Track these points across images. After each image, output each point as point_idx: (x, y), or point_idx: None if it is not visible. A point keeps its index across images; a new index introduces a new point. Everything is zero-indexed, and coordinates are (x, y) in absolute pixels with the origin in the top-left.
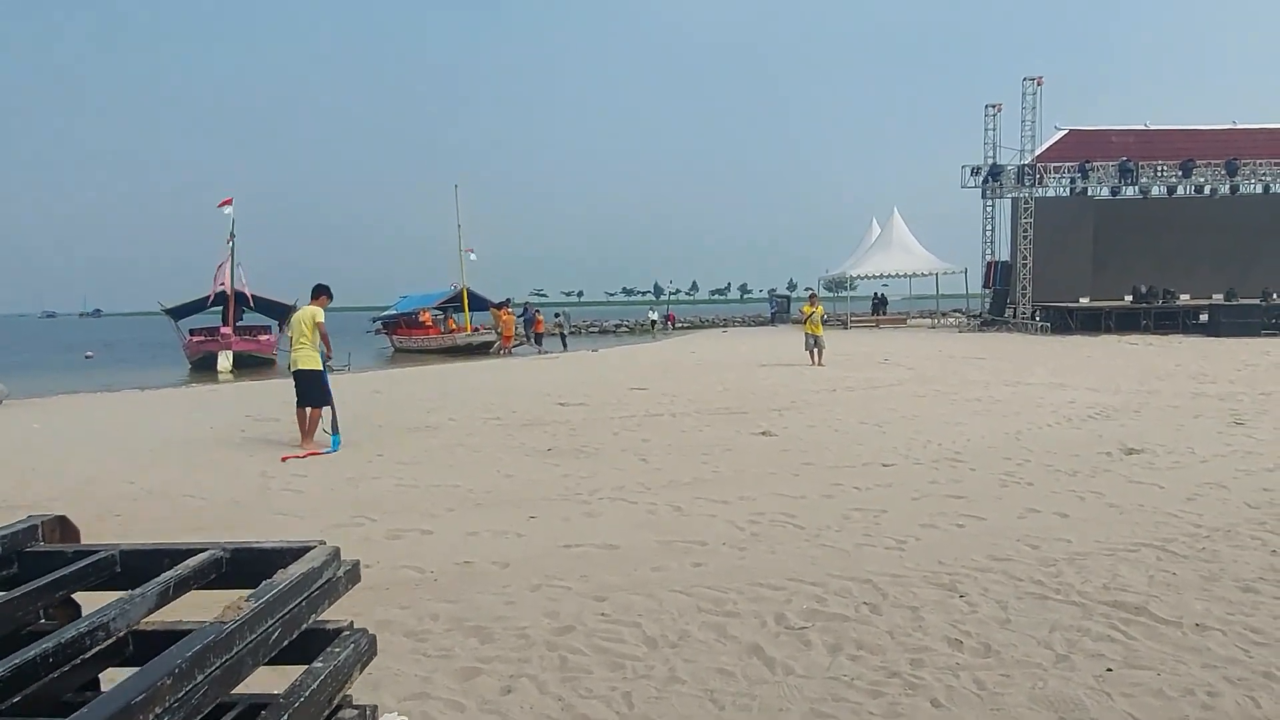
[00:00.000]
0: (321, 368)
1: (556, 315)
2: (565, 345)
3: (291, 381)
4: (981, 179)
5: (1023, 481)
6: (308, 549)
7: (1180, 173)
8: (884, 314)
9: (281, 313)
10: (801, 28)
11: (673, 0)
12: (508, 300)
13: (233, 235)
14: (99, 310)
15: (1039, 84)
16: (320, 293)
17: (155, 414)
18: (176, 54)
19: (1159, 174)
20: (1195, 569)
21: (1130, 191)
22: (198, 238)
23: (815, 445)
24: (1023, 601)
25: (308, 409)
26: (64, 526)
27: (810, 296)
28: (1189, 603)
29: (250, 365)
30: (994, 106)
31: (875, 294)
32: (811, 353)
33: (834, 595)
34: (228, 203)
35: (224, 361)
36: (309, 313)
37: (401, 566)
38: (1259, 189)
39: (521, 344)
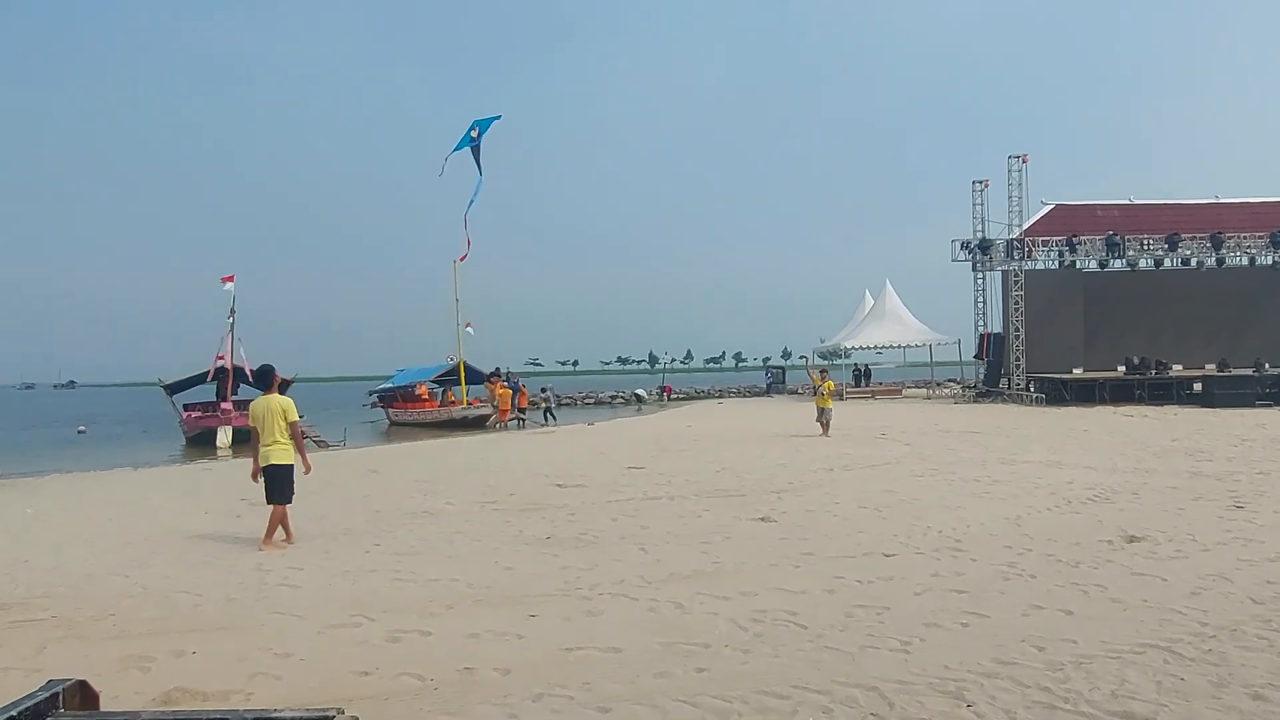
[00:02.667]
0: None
1: (542, 389)
2: (553, 418)
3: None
4: (971, 252)
5: (1025, 574)
6: (327, 718)
7: (1166, 246)
8: (867, 385)
9: (279, 388)
10: (790, 100)
11: (663, 68)
12: (496, 370)
13: (233, 311)
14: (73, 382)
15: (1024, 161)
16: (273, 376)
17: (150, 496)
18: (161, 121)
19: (1145, 247)
20: (1203, 673)
21: (1118, 264)
22: (176, 310)
23: (815, 532)
24: (1031, 712)
25: (274, 505)
26: (84, 692)
27: (821, 372)
28: (1200, 713)
29: (247, 440)
30: (981, 182)
31: (857, 366)
32: (821, 423)
33: (840, 705)
34: (229, 279)
35: (223, 437)
36: (279, 405)
37: (401, 674)
38: (1244, 261)
39: (514, 417)
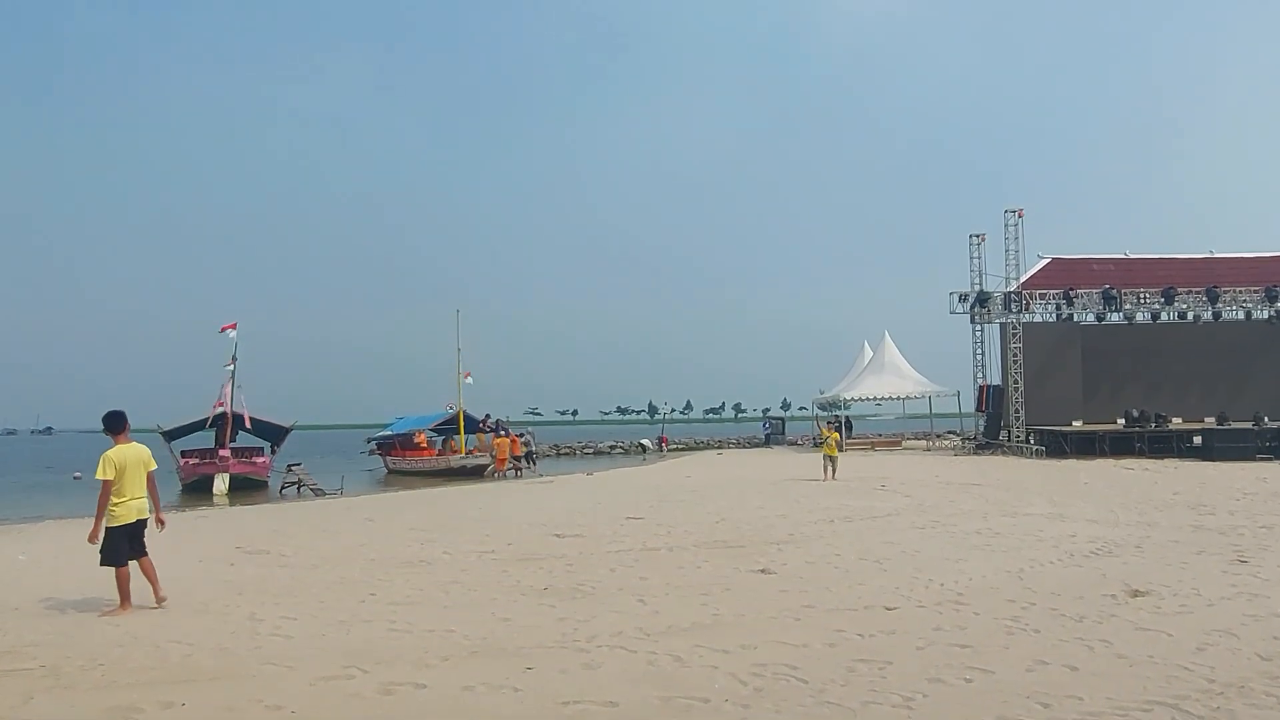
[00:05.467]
0: None
1: (521, 435)
2: (530, 463)
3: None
4: (969, 305)
5: (1029, 628)
6: None
7: (1162, 299)
8: (848, 436)
9: (277, 435)
10: (789, 153)
11: (660, 121)
12: (487, 416)
13: (234, 359)
14: (50, 428)
15: (1020, 215)
16: (125, 422)
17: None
18: (153, 166)
19: (1142, 301)
20: None
21: (1115, 317)
22: (157, 357)
23: (816, 585)
24: None
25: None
26: None
27: (828, 424)
28: None
29: (245, 488)
30: (978, 236)
31: (837, 418)
32: (826, 470)
33: None
34: (231, 327)
35: (220, 484)
36: (146, 455)
37: None
38: (1241, 315)
39: (511, 466)
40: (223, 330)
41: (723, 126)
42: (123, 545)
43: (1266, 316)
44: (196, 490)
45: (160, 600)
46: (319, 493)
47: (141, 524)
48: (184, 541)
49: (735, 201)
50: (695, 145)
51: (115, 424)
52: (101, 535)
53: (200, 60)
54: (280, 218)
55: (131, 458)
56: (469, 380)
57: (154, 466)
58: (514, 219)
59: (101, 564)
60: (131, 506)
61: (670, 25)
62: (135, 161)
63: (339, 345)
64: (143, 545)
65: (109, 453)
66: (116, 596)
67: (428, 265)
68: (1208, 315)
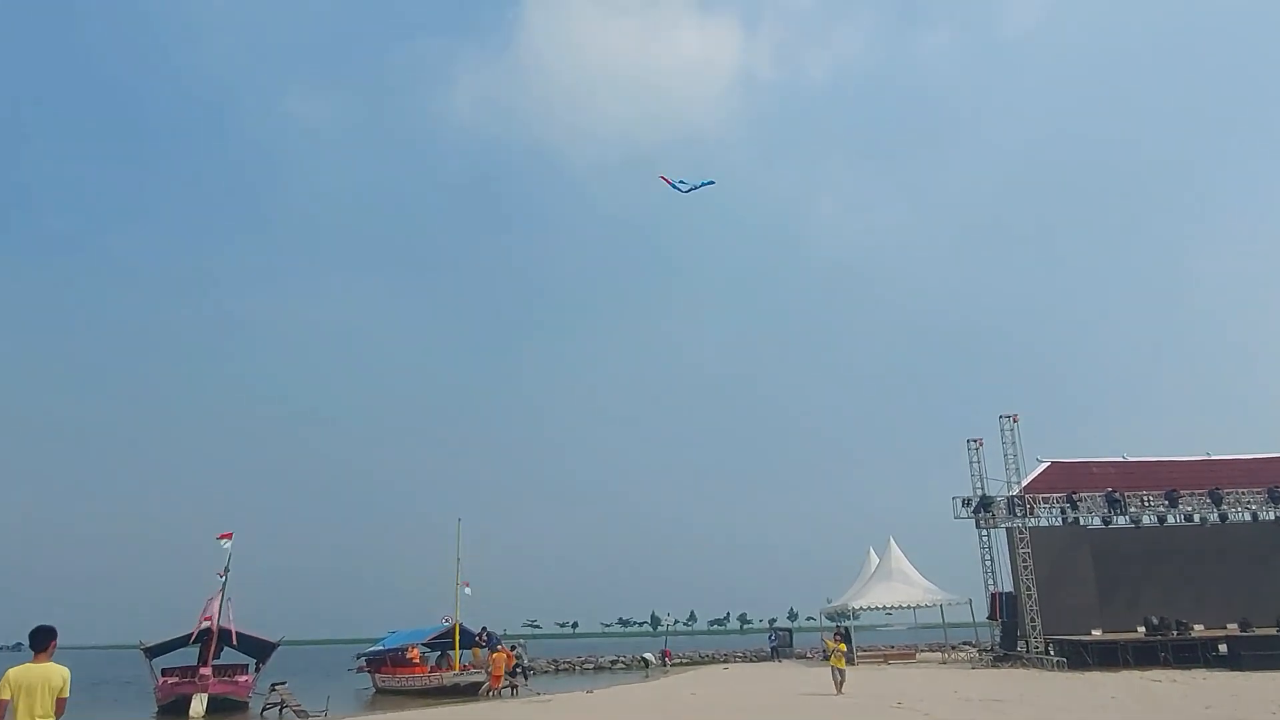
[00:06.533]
0: None
1: (514, 647)
2: (524, 676)
3: None
4: (973, 510)
5: None
6: None
7: (1166, 502)
8: (855, 648)
9: (264, 651)
10: (785, 365)
11: (667, 337)
12: (484, 630)
13: (227, 569)
14: (20, 644)
15: (1015, 420)
16: (52, 640)
17: None
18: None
19: (1146, 504)
20: None
21: (1121, 520)
22: (123, 573)
23: None
24: None
25: None
26: None
27: (834, 635)
28: None
29: (224, 709)
30: (975, 441)
31: (840, 628)
32: (835, 682)
33: None
34: (227, 536)
35: (197, 706)
36: (59, 677)
37: None
38: (1246, 517)
39: (507, 684)
40: (219, 539)
41: (720, 340)
42: None
43: (1274, 517)
44: (173, 711)
45: None
46: (302, 714)
47: None
48: None
49: (734, 409)
50: (696, 357)
51: (35, 640)
52: None
53: (204, 275)
54: (274, 429)
55: (38, 679)
56: (467, 590)
57: (65, 695)
58: (514, 424)
59: None
60: None
61: (667, 238)
62: (129, 376)
63: (330, 556)
64: None
65: (10, 671)
66: None
67: (426, 474)
68: (1214, 517)
